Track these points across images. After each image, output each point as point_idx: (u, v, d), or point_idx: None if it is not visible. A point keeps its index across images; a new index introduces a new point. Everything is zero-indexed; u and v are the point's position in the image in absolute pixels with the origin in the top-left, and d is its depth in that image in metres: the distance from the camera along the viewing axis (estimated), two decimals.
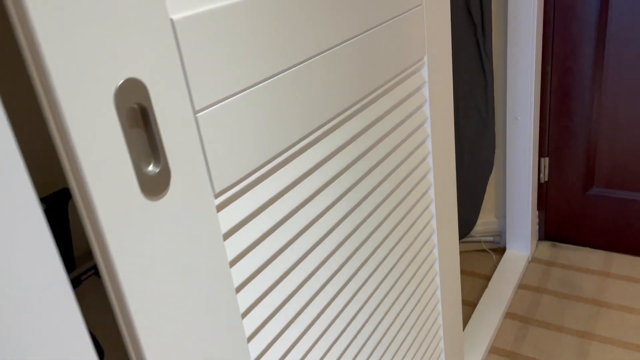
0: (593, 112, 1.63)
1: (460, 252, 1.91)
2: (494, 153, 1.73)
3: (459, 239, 1.82)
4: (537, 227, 1.86)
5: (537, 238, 1.89)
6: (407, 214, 0.87)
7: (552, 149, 1.75)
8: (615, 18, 1.49)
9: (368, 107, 0.75)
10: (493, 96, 1.64)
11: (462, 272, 1.80)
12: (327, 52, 0.62)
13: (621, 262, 1.71)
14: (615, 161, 1.66)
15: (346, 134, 0.70)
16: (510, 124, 1.66)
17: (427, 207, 0.94)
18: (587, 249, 1.81)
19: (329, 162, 0.66)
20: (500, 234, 1.88)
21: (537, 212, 1.84)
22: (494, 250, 1.89)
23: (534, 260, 1.80)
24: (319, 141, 0.64)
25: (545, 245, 1.86)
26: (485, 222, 1.88)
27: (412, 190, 0.88)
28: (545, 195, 1.82)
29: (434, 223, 0.97)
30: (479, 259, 1.86)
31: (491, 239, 1.89)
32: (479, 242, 1.90)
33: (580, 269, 1.71)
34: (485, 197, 1.85)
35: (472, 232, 1.90)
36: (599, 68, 1.57)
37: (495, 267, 1.80)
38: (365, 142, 0.74)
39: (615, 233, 1.75)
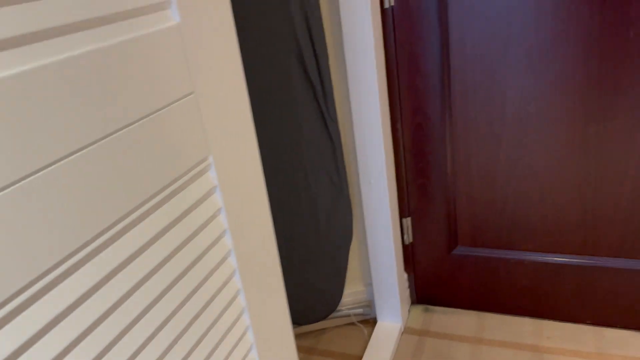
0: (448, 168, 1.54)
1: (329, 330, 1.72)
2: (351, 220, 1.58)
3: (325, 316, 1.63)
4: (407, 291, 1.73)
5: (409, 303, 1.75)
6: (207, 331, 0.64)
7: (414, 208, 1.63)
8: (457, 72, 1.42)
9: (129, 231, 0.52)
10: (343, 160, 1.49)
11: (332, 354, 1.61)
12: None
13: (493, 324, 1.62)
14: (476, 218, 1.58)
15: (116, 257, 0.46)
16: (365, 187, 1.52)
17: (239, 319, 0.72)
18: (460, 310, 1.70)
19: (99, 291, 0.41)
20: (370, 304, 1.72)
21: (405, 276, 1.71)
22: (365, 322, 1.73)
23: (406, 330, 1.66)
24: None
25: (418, 310, 1.73)
26: (353, 292, 1.72)
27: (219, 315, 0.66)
28: (411, 257, 1.70)
29: (250, 336, 0.76)
30: (349, 335, 1.68)
31: (361, 310, 1.72)
32: (348, 315, 1.73)
33: (454, 337, 1.59)
34: (351, 266, 1.69)
35: (341, 305, 1.72)
36: (448, 123, 1.49)
37: (367, 342, 1.62)
38: (147, 265, 0.50)
39: (484, 293, 1.66)
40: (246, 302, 0.73)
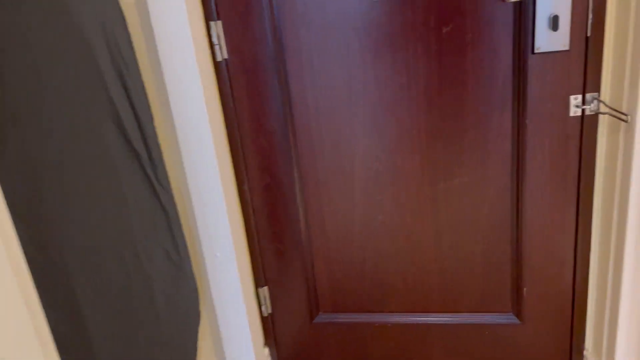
0: (302, 231, 1.41)
1: None
2: (197, 297, 1.38)
3: None
4: None
5: None
6: None
7: (270, 276, 1.48)
8: (303, 129, 1.31)
9: None
10: (182, 232, 1.30)
11: None
12: None
13: None
14: (336, 281, 1.46)
15: None
16: (210, 262, 1.34)
17: None
18: None
19: None
20: None
21: (266, 350, 1.54)
22: None
23: None
24: None
25: None
26: None
27: None
28: (272, 330, 1.54)
29: None
30: None
31: None
32: None
33: None
34: (204, 346, 1.48)
35: None
36: (298, 183, 1.36)
37: None
38: None
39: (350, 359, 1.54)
40: None
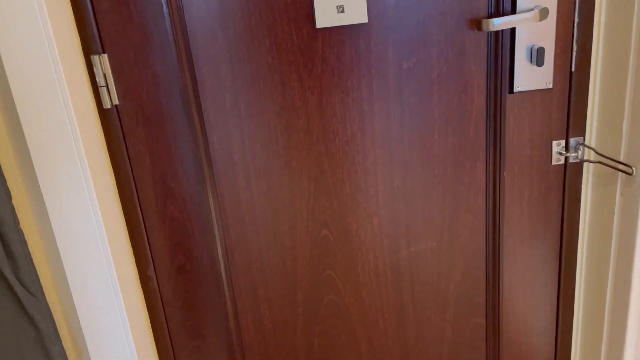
0: (230, 322, 1.09)
1: None
2: None
3: None
4: None
5: None
6: None
7: None
8: (228, 194, 1.00)
9: None
10: (63, 351, 0.92)
11: None
12: None
13: None
14: None
15: None
16: None
17: None
18: None
19: None
20: None
21: None
22: None
23: None
24: None
25: None
26: None
27: None
28: None
29: None
30: None
31: None
32: None
33: None
34: None
35: None
36: (224, 262, 1.04)
37: None
38: None
39: None
40: None
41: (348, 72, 0.93)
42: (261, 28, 0.89)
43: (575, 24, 0.91)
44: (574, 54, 0.93)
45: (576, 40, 0.92)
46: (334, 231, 1.04)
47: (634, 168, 0.88)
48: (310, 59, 0.92)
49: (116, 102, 0.91)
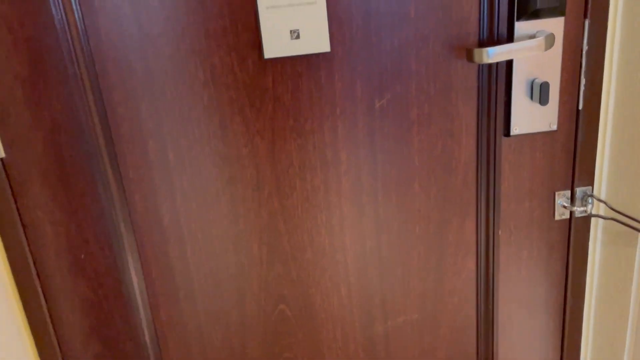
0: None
1: None
2: None
3: None
4: None
5: None
6: None
7: None
8: (152, 266, 0.78)
9: None
10: None
11: None
12: None
13: None
14: None
15: None
16: None
17: None
18: None
19: None
20: None
21: None
22: None
23: None
24: None
25: None
26: None
27: None
28: None
29: None
30: None
31: None
32: None
33: None
34: None
35: None
36: (152, 345, 0.83)
37: None
38: None
39: None
40: None
41: (307, 112, 0.74)
42: (193, 58, 0.69)
43: (584, 52, 0.74)
44: (582, 88, 0.76)
45: (584, 72, 0.75)
46: (293, 305, 0.84)
47: None
48: (258, 96, 0.72)
49: (2, 154, 0.69)
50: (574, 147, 0.79)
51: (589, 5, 0.72)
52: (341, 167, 0.77)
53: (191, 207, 0.76)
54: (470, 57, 0.69)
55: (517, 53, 0.68)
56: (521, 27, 0.71)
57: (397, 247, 0.82)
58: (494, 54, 0.68)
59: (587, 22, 0.73)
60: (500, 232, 0.82)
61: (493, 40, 0.72)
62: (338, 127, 0.75)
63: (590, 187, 0.82)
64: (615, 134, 0.77)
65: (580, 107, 0.77)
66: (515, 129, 0.76)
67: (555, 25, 0.72)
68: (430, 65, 0.73)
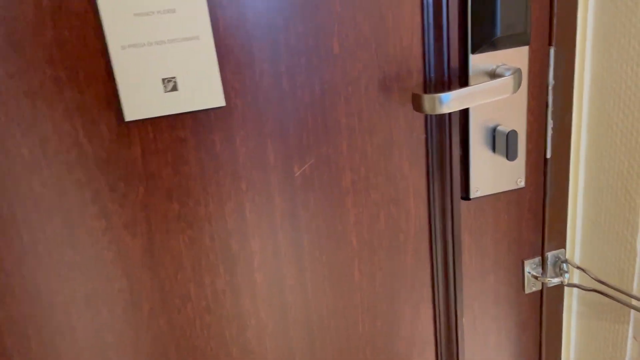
0: None
1: None
2: None
3: None
4: None
5: None
6: None
7: None
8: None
9: None
10: None
11: None
12: None
13: None
14: None
15: None
16: None
17: None
18: None
19: None
20: None
21: None
22: None
23: None
24: None
25: None
26: None
27: None
28: None
29: None
30: None
31: None
32: None
33: None
34: None
35: None
36: None
37: None
38: None
39: None
40: None
41: (198, 192, 0.51)
42: (11, 129, 0.44)
43: (550, 87, 0.59)
44: (549, 132, 0.60)
45: (552, 113, 0.60)
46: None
47: None
48: (121, 176, 0.48)
49: None
50: (542, 204, 0.64)
51: (554, 30, 0.57)
52: (253, 261, 0.55)
53: (32, 345, 0.50)
54: (418, 106, 0.51)
55: (480, 97, 0.51)
56: (477, 60, 0.54)
57: (333, 354, 0.62)
58: (450, 102, 0.50)
59: (552, 51, 0.57)
60: (463, 319, 0.64)
61: (442, 79, 0.54)
62: (245, 207, 0.53)
63: (563, 250, 0.66)
64: (589, 184, 0.63)
65: (548, 155, 0.61)
66: (475, 191, 0.59)
67: (517, 56, 0.55)
68: (365, 117, 0.54)
